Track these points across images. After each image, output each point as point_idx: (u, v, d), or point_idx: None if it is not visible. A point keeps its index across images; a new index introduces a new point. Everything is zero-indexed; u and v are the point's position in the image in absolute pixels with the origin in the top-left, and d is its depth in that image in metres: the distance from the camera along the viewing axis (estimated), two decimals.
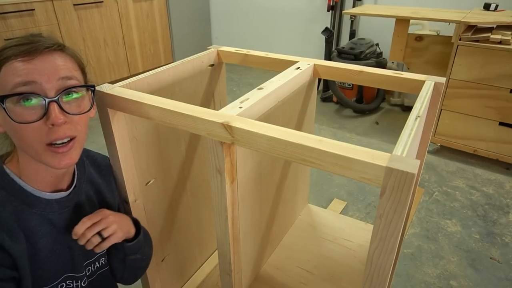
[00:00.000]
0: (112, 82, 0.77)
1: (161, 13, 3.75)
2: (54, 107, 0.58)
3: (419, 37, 2.71)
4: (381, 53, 3.04)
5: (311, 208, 1.27)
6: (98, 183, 0.78)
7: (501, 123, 2.17)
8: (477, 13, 2.37)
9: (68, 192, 0.70)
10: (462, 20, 2.10)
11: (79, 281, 0.72)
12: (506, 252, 1.69)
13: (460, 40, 2.11)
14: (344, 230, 1.16)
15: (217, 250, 0.80)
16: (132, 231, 0.77)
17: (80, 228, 0.66)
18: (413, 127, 0.60)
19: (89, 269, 0.76)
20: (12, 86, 0.57)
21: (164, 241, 0.99)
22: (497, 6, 2.43)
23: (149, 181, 0.88)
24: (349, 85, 3.12)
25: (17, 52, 0.58)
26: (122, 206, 0.84)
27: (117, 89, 0.74)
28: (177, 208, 1.00)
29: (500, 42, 2.02)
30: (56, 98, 0.59)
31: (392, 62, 2.90)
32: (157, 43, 3.80)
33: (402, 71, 0.87)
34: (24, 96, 0.57)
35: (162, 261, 0.99)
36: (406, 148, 0.53)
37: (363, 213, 1.95)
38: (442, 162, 2.39)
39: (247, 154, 0.74)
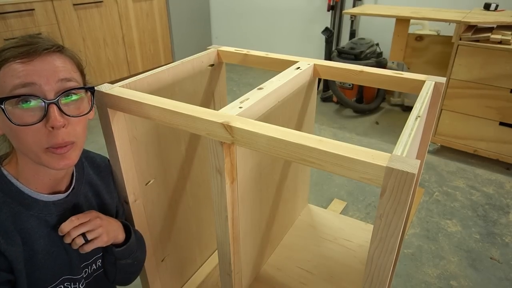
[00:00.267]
0: (112, 82, 0.77)
1: (161, 13, 3.75)
2: (54, 109, 0.58)
3: (419, 37, 2.71)
4: (381, 53, 3.04)
5: (311, 208, 1.27)
6: (96, 185, 0.78)
7: (501, 123, 2.17)
8: (477, 13, 2.37)
9: (66, 194, 0.70)
10: (462, 20, 2.10)
11: (77, 283, 0.72)
12: (506, 252, 1.69)
13: (460, 40, 2.11)
14: (344, 230, 1.16)
15: (217, 250, 0.80)
16: (120, 236, 0.76)
17: (66, 226, 0.66)
18: (413, 127, 0.60)
19: (86, 271, 0.76)
20: (11, 88, 0.56)
21: (164, 241, 0.99)
22: (497, 6, 2.43)
23: (149, 181, 0.88)
24: (349, 85, 3.12)
25: (15, 53, 0.57)
26: (120, 207, 0.84)
27: (117, 89, 0.74)
28: (177, 208, 1.00)
29: (500, 42, 2.01)
30: (55, 100, 0.59)
31: (392, 62, 2.90)
32: (157, 43, 3.80)
33: (402, 71, 0.87)
34: (23, 98, 0.57)
35: (162, 261, 0.99)
36: (406, 148, 0.53)
37: (363, 213, 1.95)
38: (442, 162, 2.39)
39: (247, 154, 0.74)
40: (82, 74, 0.67)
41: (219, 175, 0.67)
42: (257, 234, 0.92)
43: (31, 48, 0.58)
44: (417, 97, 0.73)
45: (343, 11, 2.79)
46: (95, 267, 0.78)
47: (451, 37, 2.27)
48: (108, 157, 0.81)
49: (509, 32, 2.10)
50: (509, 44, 2.00)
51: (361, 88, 3.08)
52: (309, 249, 1.09)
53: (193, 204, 1.06)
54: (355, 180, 0.67)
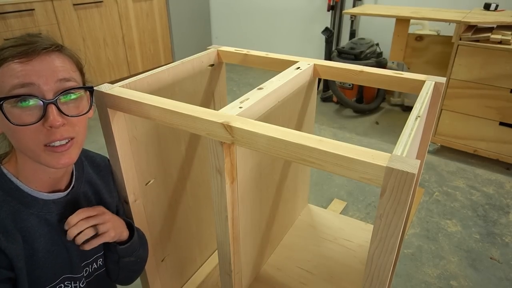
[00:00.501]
0: (112, 82, 0.77)
1: (161, 13, 3.75)
2: (53, 109, 0.58)
3: (419, 37, 2.71)
4: (381, 53, 3.04)
5: (311, 208, 1.27)
6: (96, 184, 0.78)
7: (501, 123, 2.17)
8: (477, 13, 2.37)
9: (65, 192, 0.70)
10: (462, 20, 2.10)
11: (77, 282, 0.72)
12: (506, 252, 1.69)
13: (460, 40, 2.11)
14: (344, 230, 1.16)
15: (217, 250, 0.80)
16: (125, 234, 0.76)
17: (73, 219, 0.66)
18: (413, 127, 0.60)
19: (86, 270, 0.76)
20: (10, 87, 0.56)
21: (164, 241, 0.99)
22: (497, 6, 2.43)
23: (149, 181, 0.88)
24: (349, 85, 3.12)
25: (14, 53, 0.57)
26: (121, 207, 0.84)
27: (117, 89, 0.74)
28: (177, 208, 1.00)
29: (500, 42, 2.01)
30: (54, 100, 0.59)
31: (392, 62, 2.90)
32: (157, 43, 3.80)
33: (402, 71, 0.87)
34: (22, 98, 0.57)
35: (162, 261, 0.99)
36: (406, 148, 0.53)
37: (363, 213, 1.95)
38: (442, 162, 2.39)
39: (247, 154, 0.74)
40: (82, 73, 0.67)
41: (219, 175, 0.67)
42: (257, 234, 0.92)
43: (30, 47, 0.58)
44: (417, 97, 0.73)
45: (343, 11, 2.79)
46: (96, 266, 0.78)
47: (451, 37, 2.27)
48: (108, 157, 0.81)
49: (509, 32, 2.10)
50: (509, 44, 2.00)
51: (361, 88, 3.08)
52: (309, 249, 1.09)
53: (193, 204, 1.06)
54: (355, 180, 0.67)
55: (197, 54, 0.97)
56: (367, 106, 3.07)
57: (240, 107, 0.67)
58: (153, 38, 3.74)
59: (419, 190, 2.12)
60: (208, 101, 1.04)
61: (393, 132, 2.78)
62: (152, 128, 0.85)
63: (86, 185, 0.76)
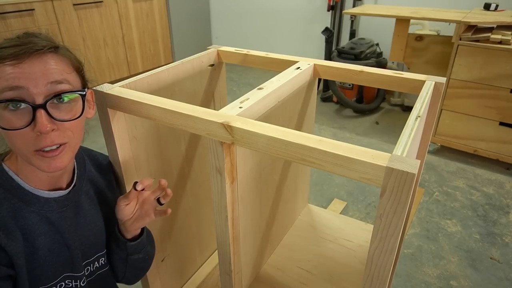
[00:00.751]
0: (112, 82, 0.77)
1: (161, 13, 3.75)
2: (41, 114, 0.56)
3: (419, 37, 2.71)
4: (381, 53, 3.04)
5: (311, 208, 1.27)
6: (98, 183, 0.78)
7: (501, 123, 2.17)
8: (477, 13, 2.37)
9: (67, 191, 0.70)
10: (462, 20, 2.10)
11: (78, 281, 0.72)
12: (506, 252, 1.69)
13: (460, 40, 2.11)
14: (344, 230, 1.16)
15: (217, 250, 0.80)
16: (139, 230, 0.77)
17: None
18: (413, 127, 0.60)
19: (88, 269, 0.76)
20: None
21: (164, 241, 0.99)
22: (497, 6, 2.43)
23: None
24: (349, 85, 3.12)
25: (5, 54, 0.56)
26: None
27: (117, 89, 0.74)
28: (177, 208, 1.00)
29: (500, 42, 2.01)
30: (43, 104, 0.57)
31: (392, 62, 2.90)
32: (157, 43, 3.80)
33: (402, 71, 0.87)
34: (11, 101, 0.56)
35: (162, 261, 0.99)
36: (406, 148, 0.53)
37: (363, 213, 1.95)
38: (442, 162, 2.39)
39: (247, 154, 0.74)
40: (80, 74, 0.65)
41: (219, 175, 0.67)
42: (257, 234, 0.92)
43: (22, 49, 0.56)
44: (417, 97, 0.73)
45: (343, 11, 2.79)
46: (97, 265, 0.78)
47: (451, 37, 2.27)
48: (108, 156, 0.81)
49: (509, 32, 2.10)
50: (509, 44, 2.00)
51: (361, 88, 3.08)
52: (309, 249, 1.09)
53: (193, 204, 1.06)
54: (355, 180, 0.67)
55: (197, 54, 0.97)
56: (367, 106, 3.07)
57: (240, 107, 0.67)
58: (153, 38, 3.74)
59: (419, 190, 2.12)
60: (208, 101, 1.04)
61: (393, 132, 2.78)
62: (152, 128, 0.85)
63: (88, 183, 0.76)
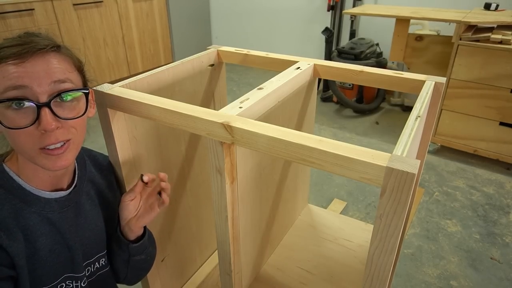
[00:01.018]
0: (112, 82, 0.77)
1: (161, 13, 3.75)
2: (46, 113, 0.57)
3: (419, 37, 2.71)
4: (381, 53, 3.04)
5: (311, 208, 1.27)
6: (99, 183, 0.78)
7: (501, 123, 2.17)
8: (478, 13, 2.37)
9: (68, 191, 0.70)
10: (462, 20, 2.10)
11: (78, 282, 0.72)
12: (507, 252, 1.69)
13: (460, 40, 2.11)
14: (344, 230, 1.16)
15: (217, 250, 0.80)
16: (142, 229, 0.78)
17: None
18: (413, 127, 0.60)
19: (88, 270, 0.76)
20: (3, 90, 0.56)
21: (164, 241, 0.99)
22: (497, 6, 2.43)
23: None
24: (349, 85, 3.12)
25: (8, 54, 0.56)
26: None
27: (117, 89, 0.74)
28: (177, 208, 1.00)
29: (500, 42, 2.01)
30: (47, 102, 0.57)
31: (392, 62, 2.90)
32: (157, 43, 3.80)
33: (402, 71, 0.87)
34: (15, 101, 0.56)
35: (162, 261, 0.99)
36: (406, 148, 0.53)
37: (363, 213, 1.95)
38: (442, 162, 2.39)
39: (247, 154, 0.74)
40: (81, 73, 0.65)
41: (219, 175, 0.67)
42: (257, 234, 0.92)
43: (24, 48, 0.57)
44: (417, 97, 0.73)
45: (343, 11, 2.79)
46: (98, 265, 0.78)
47: (451, 37, 2.27)
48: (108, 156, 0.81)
49: (510, 32, 2.10)
50: (510, 44, 2.00)
51: (361, 88, 3.08)
52: (309, 249, 1.09)
53: (193, 204, 1.06)
54: (355, 180, 0.67)
55: (197, 54, 0.97)
56: (367, 106, 3.07)
57: (240, 107, 0.67)
58: (153, 38, 3.74)
59: (419, 190, 2.12)
60: (208, 101, 1.04)
61: (393, 132, 2.78)
62: (152, 128, 0.85)
63: (89, 184, 0.76)
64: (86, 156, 0.78)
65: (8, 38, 0.59)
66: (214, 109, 1.06)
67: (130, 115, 0.76)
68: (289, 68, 0.89)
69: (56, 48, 0.61)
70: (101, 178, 0.79)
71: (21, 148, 0.59)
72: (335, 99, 3.30)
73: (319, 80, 3.22)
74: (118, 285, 0.88)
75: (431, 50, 2.71)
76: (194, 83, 0.97)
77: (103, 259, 0.79)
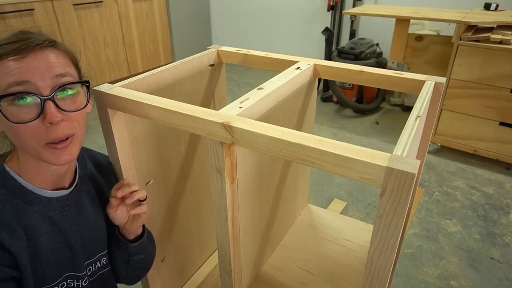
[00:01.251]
0: (112, 82, 0.77)
1: (161, 13, 3.75)
2: (50, 105, 0.58)
3: (419, 37, 2.71)
4: (381, 53, 3.04)
5: (311, 208, 1.27)
6: (99, 182, 0.78)
7: (501, 123, 2.17)
8: (478, 13, 2.37)
9: (69, 190, 0.70)
10: (462, 20, 2.10)
11: (80, 281, 0.72)
12: (507, 252, 1.69)
13: (460, 40, 2.11)
14: (344, 230, 1.16)
15: (217, 250, 0.80)
16: (140, 229, 0.78)
17: (121, 192, 0.71)
18: (413, 127, 0.60)
19: (90, 269, 0.76)
20: (6, 86, 0.56)
21: (164, 241, 0.99)
22: (497, 6, 2.43)
23: (149, 181, 0.88)
24: (349, 85, 3.12)
25: (8, 50, 0.57)
26: None
27: (117, 89, 0.74)
28: (177, 208, 1.00)
29: (500, 42, 2.01)
30: (51, 96, 0.58)
31: (392, 62, 2.90)
32: (157, 43, 3.80)
33: (402, 71, 0.87)
34: (19, 96, 0.56)
35: (162, 261, 0.99)
36: (406, 148, 0.53)
37: (363, 213, 1.95)
38: (442, 162, 2.39)
39: (247, 154, 0.74)
40: (77, 68, 0.66)
41: (219, 175, 0.67)
42: (257, 234, 0.92)
43: (23, 44, 0.57)
44: (417, 97, 0.73)
45: (343, 11, 2.79)
46: (99, 265, 0.78)
47: (451, 37, 2.27)
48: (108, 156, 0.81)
49: (510, 32, 2.10)
50: (510, 44, 2.00)
51: (361, 88, 3.08)
52: (309, 249, 1.09)
53: (193, 204, 1.06)
54: (355, 180, 0.67)
55: (197, 54, 0.97)
56: (367, 106, 3.07)
57: (240, 107, 0.67)
58: (153, 38, 3.74)
59: (419, 190, 2.12)
60: (208, 101, 1.04)
61: (393, 132, 2.78)
62: (152, 128, 0.85)
63: (90, 183, 0.76)
64: (86, 156, 0.78)
65: (3, 38, 0.60)
66: (214, 109, 1.06)
67: (130, 115, 0.76)
68: (289, 68, 0.89)
69: (53, 43, 0.62)
70: (101, 177, 0.79)
71: (26, 144, 0.59)
72: (335, 99, 3.30)
73: (319, 80, 3.22)
74: (118, 285, 0.88)
75: (431, 50, 2.71)
76: (194, 83, 0.97)
77: (104, 258, 0.79)
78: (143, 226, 0.80)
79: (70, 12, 2.98)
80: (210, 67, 1.01)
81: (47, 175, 0.66)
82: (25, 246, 0.62)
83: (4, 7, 2.59)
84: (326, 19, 3.59)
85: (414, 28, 2.93)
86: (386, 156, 0.50)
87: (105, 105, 0.73)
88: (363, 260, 1.04)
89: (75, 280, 0.72)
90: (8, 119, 0.57)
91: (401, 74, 0.83)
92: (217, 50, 1.03)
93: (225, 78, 1.08)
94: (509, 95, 2.08)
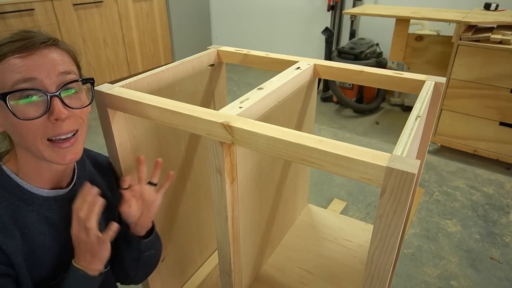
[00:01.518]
0: (112, 82, 0.77)
1: (161, 13, 3.75)
2: (57, 102, 0.59)
3: (419, 37, 2.71)
4: (381, 53, 3.04)
5: (311, 208, 1.27)
6: (98, 182, 0.78)
7: (501, 123, 2.17)
8: (478, 13, 2.37)
9: (67, 190, 0.70)
10: (462, 20, 2.10)
11: None
12: (507, 252, 1.69)
13: (460, 40, 2.11)
14: (344, 230, 1.16)
15: (217, 250, 0.80)
16: (151, 223, 0.79)
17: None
18: (413, 127, 0.60)
19: None
20: (12, 83, 0.57)
21: (164, 241, 0.98)
22: (497, 6, 2.43)
23: (149, 181, 0.88)
24: (349, 85, 3.12)
25: (13, 48, 0.57)
26: None
27: (117, 89, 0.74)
28: (177, 208, 1.00)
29: (500, 42, 2.01)
30: (57, 93, 0.59)
31: (392, 62, 2.90)
32: (157, 43, 3.80)
33: (402, 71, 0.87)
34: (26, 92, 0.57)
35: (162, 261, 0.99)
36: (406, 148, 0.53)
37: (363, 213, 1.95)
38: (442, 162, 2.39)
39: (247, 154, 0.74)
40: (78, 67, 0.67)
41: (219, 175, 0.67)
42: (257, 234, 0.92)
43: (29, 42, 0.58)
44: (417, 97, 0.73)
45: (343, 11, 2.79)
46: None
47: (451, 37, 2.27)
48: (108, 157, 0.81)
49: (510, 32, 2.10)
50: (510, 44, 2.00)
51: (361, 88, 3.08)
52: (309, 249, 1.09)
53: (193, 204, 1.06)
54: (355, 180, 0.67)
55: (197, 54, 0.97)
56: (367, 106, 3.07)
57: (240, 107, 0.67)
58: (153, 38, 3.74)
59: (419, 190, 2.12)
60: (208, 101, 1.04)
61: (393, 132, 2.78)
62: (152, 128, 0.85)
63: (88, 183, 0.76)
64: (85, 156, 0.78)
65: (4, 38, 0.60)
66: (214, 109, 1.06)
67: (130, 115, 0.76)
68: (289, 68, 0.89)
69: (56, 42, 0.62)
70: (100, 178, 0.79)
71: (31, 142, 0.60)
72: (335, 99, 3.30)
73: (319, 80, 3.22)
74: (119, 285, 0.88)
75: (431, 50, 2.71)
76: (194, 83, 0.97)
77: None
78: (153, 221, 0.81)
79: (70, 12, 2.98)
80: (210, 67, 1.01)
81: (46, 174, 0.66)
82: (19, 245, 0.62)
83: (4, 7, 2.59)
84: (326, 19, 3.59)
85: (414, 28, 2.93)
86: (386, 156, 0.50)
87: (105, 105, 0.73)
88: (363, 260, 1.04)
89: None
90: (15, 116, 0.57)
91: (401, 74, 0.83)
92: (217, 50, 1.03)
93: (225, 78, 1.08)
94: (509, 95, 2.08)
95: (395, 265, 1.06)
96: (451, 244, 1.74)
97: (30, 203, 0.65)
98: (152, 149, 0.87)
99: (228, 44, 4.30)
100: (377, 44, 3.03)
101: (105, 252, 0.66)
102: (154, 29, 3.72)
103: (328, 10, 3.50)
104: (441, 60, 2.66)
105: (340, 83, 3.11)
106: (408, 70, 2.82)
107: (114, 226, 0.66)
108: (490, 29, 2.17)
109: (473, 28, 2.18)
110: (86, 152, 0.79)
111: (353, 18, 3.39)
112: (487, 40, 2.05)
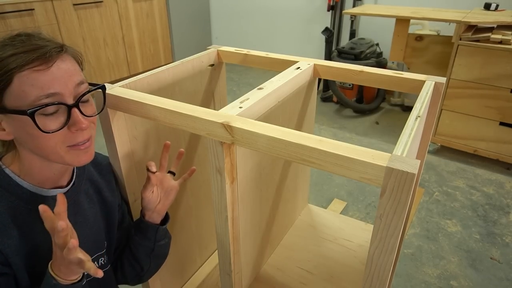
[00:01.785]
0: (112, 82, 0.77)
1: (161, 13, 3.75)
2: (77, 113, 0.61)
3: (419, 37, 2.71)
4: (381, 53, 3.04)
5: (311, 208, 1.27)
6: (98, 182, 0.78)
7: (501, 123, 2.17)
8: (478, 13, 2.37)
9: (66, 189, 0.70)
10: (462, 20, 2.10)
11: None
12: (507, 252, 1.69)
13: (460, 40, 2.11)
14: (344, 230, 1.16)
15: (217, 250, 0.80)
16: (165, 213, 0.83)
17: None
18: (413, 127, 0.60)
19: None
20: (35, 98, 0.57)
21: None
22: (497, 6, 2.43)
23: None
24: (349, 85, 3.12)
25: (30, 60, 0.56)
26: (125, 206, 0.85)
27: (117, 89, 0.74)
28: (177, 208, 1.00)
29: (500, 42, 2.01)
30: (76, 104, 0.61)
31: (392, 62, 2.90)
32: (157, 43, 3.80)
33: (402, 71, 0.87)
34: (50, 108, 0.58)
35: None
36: (406, 148, 0.53)
37: (363, 213, 1.95)
38: (442, 162, 2.39)
39: (247, 154, 0.74)
40: (82, 70, 0.67)
41: (219, 175, 0.67)
42: (257, 234, 0.92)
43: (43, 53, 0.57)
44: (417, 97, 0.73)
45: (343, 11, 2.79)
46: (97, 265, 0.78)
47: (451, 37, 2.27)
48: (107, 156, 0.81)
49: (510, 32, 2.10)
50: (510, 44, 2.00)
51: (361, 88, 3.08)
52: (309, 249, 1.09)
53: (193, 204, 1.06)
54: (355, 180, 0.67)
55: (197, 54, 0.97)
56: (367, 106, 3.07)
57: (240, 107, 0.67)
58: (153, 38, 3.74)
59: (419, 190, 2.12)
60: (208, 101, 1.04)
61: (393, 132, 2.78)
62: (152, 128, 0.85)
63: (88, 182, 0.76)
64: None
65: (6, 42, 0.58)
66: (214, 109, 1.06)
67: (130, 115, 0.76)
68: (289, 68, 0.89)
69: (65, 48, 0.62)
70: (100, 177, 0.79)
71: (51, 150, 0.61)
72: (335, 99, 3.30)
73: (319, 80, 3.22)
74: (119, 285, 0.88)
75: (431, 50, 2.71)
76: (194, 83, 0.97)
77: (102, 258, 0.79)
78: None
79: (70, 12, 2.98)
80: (210, 67, 1.01)
81: (49, 174, 0.66)
82: (16, 244, 0.62)
83: (4, 7, 2.59)
84: (326, 19, 3.59)
85: (414, 28, 2.93)
86: (386, 156, 0.50)
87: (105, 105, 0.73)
88: (363, 260, 1.04)
89: None
90: (41, 130, 0.58)
91: (401, 74, 0.83)
92: (217, 50, 1.03)
93: (225, 78, 1.08)
94: (509, 95, 2.08)
95: (395, 265, 1.06)
96: (451, 244, 1.74)
97: (29, 202, 0.65)
98: (152, 149, 0.87)
99: (228, 44, 4.30)
100: (377, 44, 3.03)
101: (83, 270, 0.61)
102: (154, 29, 3.72)
103: (328, 10, 3.50)
104: (441, 60, 2.66)
105: (340, 83, 3.11)
106: (408, 70, 2.82)
107: (99, 274, 0.61)
108: (490, 29, 2.17)
109: (473, 28, 2.18)
110: None
111: (353, 18, 3.39)
112: (487, 40, 2.05)
